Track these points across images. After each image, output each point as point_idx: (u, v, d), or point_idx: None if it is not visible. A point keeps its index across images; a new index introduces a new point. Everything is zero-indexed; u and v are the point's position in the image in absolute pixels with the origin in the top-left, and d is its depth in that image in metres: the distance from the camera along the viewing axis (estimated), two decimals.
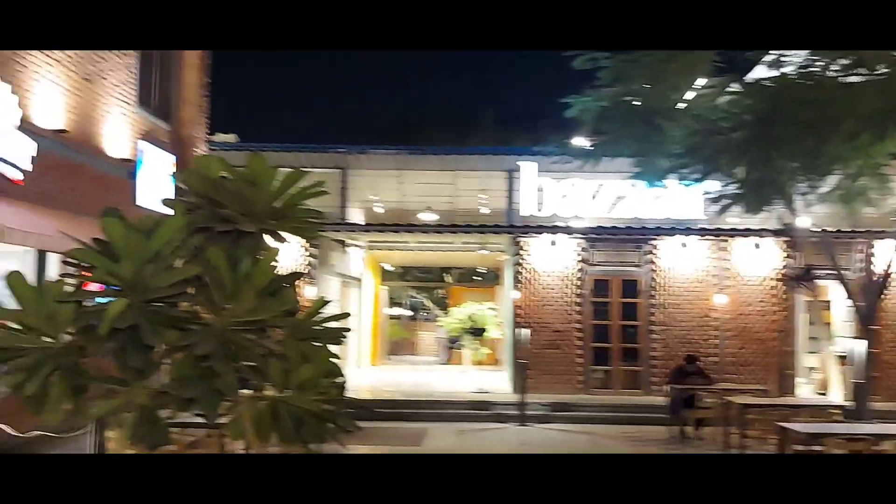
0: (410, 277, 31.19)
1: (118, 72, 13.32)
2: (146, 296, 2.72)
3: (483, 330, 25.82)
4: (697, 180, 13.51)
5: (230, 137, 21.64)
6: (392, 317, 30.14)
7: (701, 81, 12.43)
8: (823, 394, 17.72)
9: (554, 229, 18.31)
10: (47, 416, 2.71)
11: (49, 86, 11.12)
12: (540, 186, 18.64)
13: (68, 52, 11.69)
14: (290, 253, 17.83)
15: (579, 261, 18.34)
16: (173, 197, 3.05)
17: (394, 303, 30.95)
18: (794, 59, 11.38)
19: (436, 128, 32.17)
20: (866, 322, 14.33)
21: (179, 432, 7.01)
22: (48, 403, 2.70)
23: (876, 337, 16.09)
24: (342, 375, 3.03)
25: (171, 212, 2.96)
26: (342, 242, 19.65)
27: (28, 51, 10.57)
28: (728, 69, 12.13)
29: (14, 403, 2.88)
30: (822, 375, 18.18)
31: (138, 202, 12.81)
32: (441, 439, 13.62)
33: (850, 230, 17.41)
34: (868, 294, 14.50)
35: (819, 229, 15.72)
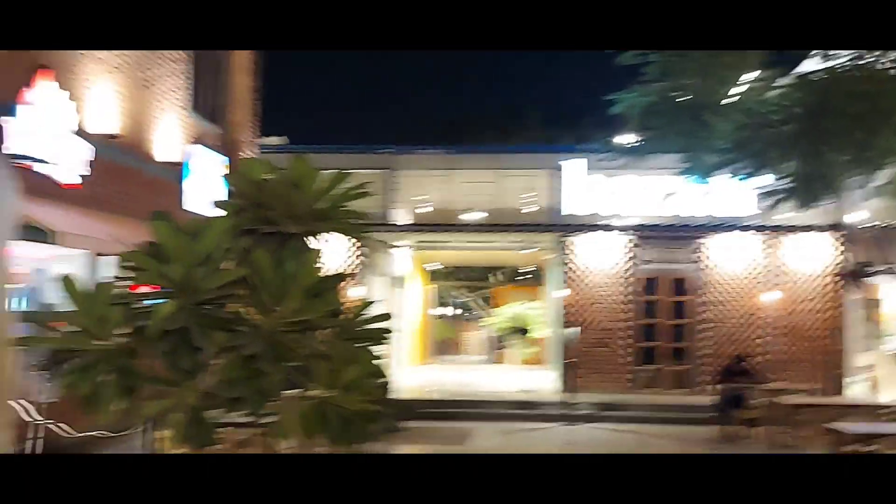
0: (456, 277, 31.20)
1: (171, 77, 13.56)
2: (195, 298, 2.77)
3: (528, 329, 25.75)
4: (748, 175, 13.31)
5: (280, 140, 21.83)
6: (438, 316, 30.19)
7: (750, 75, 12.25)
8: (875, 394, 17.36)
9: (602, 227, 18.19)
10: (100, 416, 2.77)
11: (104, 92, 11.35)
12: (586, 184, 18.53)
13: (124, 58, 11.93)
14: (337, 254, 17.96)
15: (627, 259, 18.20)
16: (224, 200, 3.10)
17: (440, 303, 31.00)
18: (844, 52, 11.16)
19: (481, 128, 32.13)
20: None
21: (229, 432, 7.10)
22: (101, 403, 2.76)
23: None
24: (387, 376, 3.05)
25: (219, 214, 3.01)
26: (388, 243, 19.73)
27: (83, 61, 10.80)
28: (777, 62, 11.94)
29: (69, 403, 2.95)
30: (874, 375, 17.80)
31: (187, 205, 13.01)
32: (486, 439, 13.61)
33: None
34: None
35: (872, 224, 15.40)
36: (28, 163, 9.30)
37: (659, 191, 18.00)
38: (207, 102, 15.16)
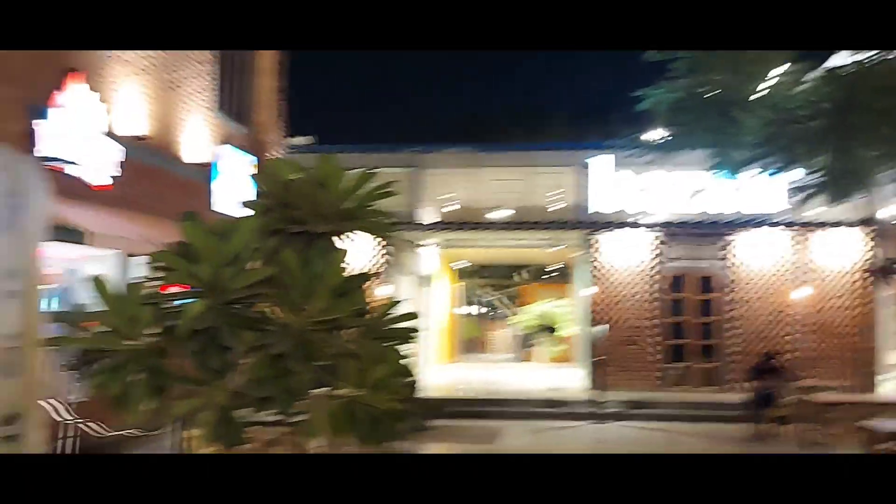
0: (483, 275, 31.18)
1: (198, 79, 13.68)
2: (224, 297, 2.79)
3: (555, 327, 25.68)
4: (776, 171, 13.19)
5: (307, 140, 21.94)
6: (465, 315, 30.19)
7: (778, 70, 12.13)
8: None
9: (629, 224, 18.11)
10: (130, 416, 2.79)
11: (132, 94, 11.47)
12: (613, 181, 18.44)
13: (151, 60, 12.05)
14: (365, 253, 18.02)
15: (654, 256, 18.11)
16: (252, 200, 3.12)
17: (467, 301, 31.00)
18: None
19: (508, 126, 32.08)
20: None
21: (258, 431, 7.14)
22: (131, 403, 2.79)
23: None
24: (414, 374, 3.06)
25: (247, 214, 3.03)
26: (414, 242, 19.76)
27: (111, 63, 10.92)
28: (806, 57, 11.81)
29: (100, 403, 2.98)
30: None
31: (215, 206, 13.11)
32: (515, 438, 13.59)
33: None
34: None
35: None
36: (59, 165, 9.41)
37: (686, 187, 17.87)
38: (234, 103, 15.27)
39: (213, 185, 13.50)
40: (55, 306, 9.25)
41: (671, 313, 18.10)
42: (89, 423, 8.89)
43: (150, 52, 12.12)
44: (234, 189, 13.55)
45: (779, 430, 13.60)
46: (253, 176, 3.20)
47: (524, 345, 26.99)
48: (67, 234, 8.25)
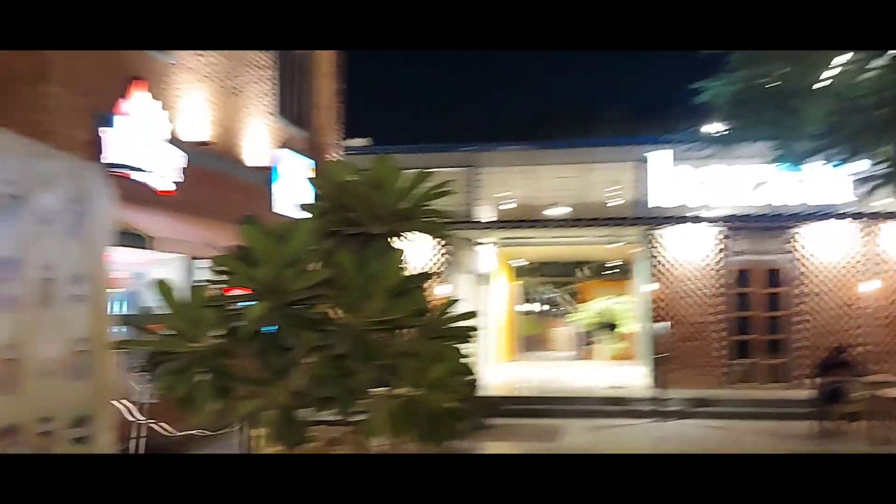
0: (542, 273, 31.06)
1: (258, 83, 13.92)
2: (284, 299, 2.84)
3: (616, 324, 25.46)
4: (842, 162, 12.90)
5: (364, 141, 22.13)
6: (524, 313, 30.11)
7: (841, 58, 11.86)
8: None
9: (691, 219, 17.86)
10: (197, 416, 2.86)
11: (195, 100, 11.71)
12: (673, 175, 18.21)
13: (212, 67, 12.29)
14: (423, 253, 18.09)
15: (718, 251, 17.84)
16: (311, 202, 3.16)
17: (526, 299, 30.92)
18: None
19: (564, 122, 31.91)
20: None
21: (321, 430, 7.22)
22: (197, 404, 2.85)
23: None
24: (473, 373, 3.07)
25: (306, 217, 3.07)
26: (472, 241, 19.78)
27: (174, 71, 11.15)
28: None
29: (169, 403, 3.06)
30: None
31: (275, 208, 13.30)
32: (576, 436, 13.52)
33: None
34: None
35: None
36: (125, 171, 9.65)
37: (749, 180, 17.55)
38: (293, 107, 15.48)
39: (273, 189, 13.70)
40: (122, 310, 9.49)
41: (736, 308, 17.81)
42: (158, 424, 9.09)
43: (212, 60, 12.36)
44: (293, 192, 13.73)
45: (848, 426, 13.28)
46: (311, 179, 3.25)
47: (584, 342, 26.81)
48: (133, 238, 8.45)
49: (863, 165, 13.18)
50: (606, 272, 29.41)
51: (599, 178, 18.98)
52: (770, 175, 16.66)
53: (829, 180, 17.27)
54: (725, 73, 12.06)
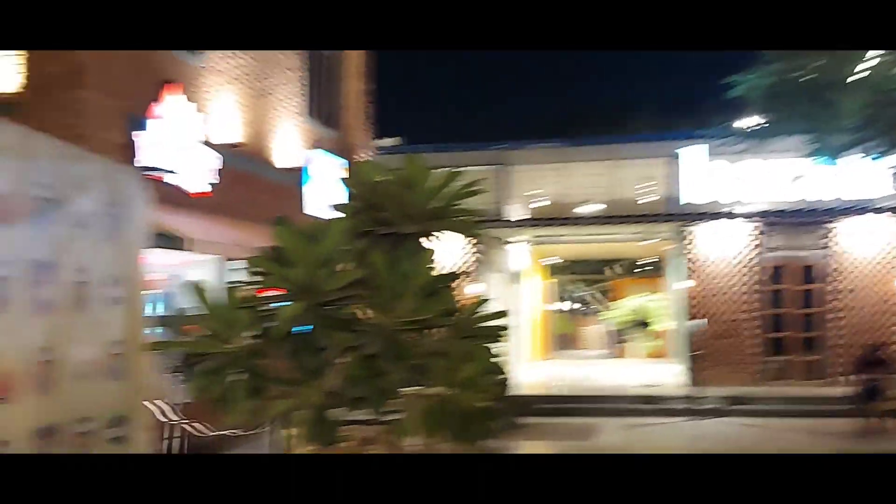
0: (574, 271, 30.94)
1: (288, 85, 14.01)
2: (317, 299, 2.85)
3: (649, 322, 25.30)
4: (879, 155, 12.70)
5: (395, 141, 22.18)
6: (557, 311, 30.02)
7: (877, 50, 11.68)
8: None
9: (724, 215, 17.69)
10: (231, 416, 2.88)
11: (226, 102, 11.81)
12: (706, 171, 18.04)
13: (244, 70, 12.39)
14: (454, 252, 18.08)
15: (752, 247, 17.65)
16: (343, 203, 3.17)
17: (558, 297, 30.82)
18: None
19: (596, 119, 31.76)
20: None
21: (354, 429, 7.24)
22: (231, 404, 2.87)
23: None
24: (505, 372, 3.06)
25: (337, 217, 3.09)
26: (503, 239, 19.75)
27: (205, 74, 11.25)
28: None
29: (203, 403, 3.08)
30: None
31: (307, 209, 13.37)
32: (609, 435, 13.44)
33: None
34: None
35: None
36: (158, 174, 9.75)
37: (784, 175, 17.35)
38: (323, 108, 15.55)
39: (305, 189, 13.77)
40: (158, 311, 9.59)
41: (771, 305, 17.61)
42: (193, 424, 9.17)
43: (242, 62, 12.46)
44: (324, 192, 13.78)
45: (886, 424, 13.08)
46: (342, 179, 3.26)
47: (617, 340, 26.67)
48: (168, 240, 8.53)
49: None
50: (639, 269, 29.24)
51: (631, 175, 18.87)
52: (805, 169, 16.47)
53: (865, 174, 17.01)
54: (758, 67, 11.94)
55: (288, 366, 2.92)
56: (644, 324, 25.63)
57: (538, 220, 19.17)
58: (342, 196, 3.22)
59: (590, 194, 18.93)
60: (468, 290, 16.94)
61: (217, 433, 8.56)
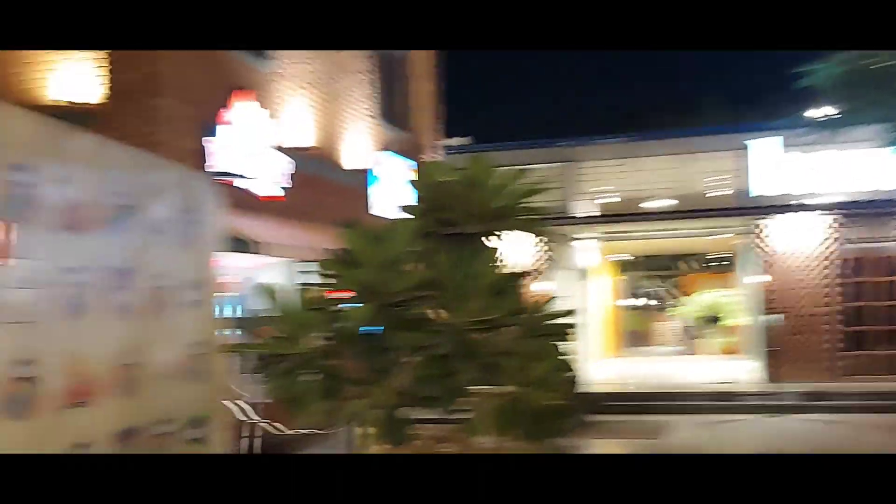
0: (644, 267, 30.55)
1: (357, 88, 14.17)
2: (385, 300, 2.89)
3: (722, 317, 24.83)
4: None
5: (463, 140, 22.22)
6: (627, 307, 29.68)
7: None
8: None
9: (799, 207, 17.27)
10: (305, 416, 2.93)
11: (296, 107, 12.01)
12: (778, 163, 17.63)
13: (315, 75, 12.58)
14: (523, 250, 18.02)
15: (829, 239, 17.19)
16: (411, 204, 3.21)
17: (628, 293, 30.47)
18: None
19: (664, 113, 31.32)
20: None
21: (427, 429, 7.27)
22: (305, 404, 2.92)
23: None
24: (574, 370, 3.06)
25: (405, 218, 3.12)
26: (572, 236, 19.62)
27: (277, 79, 11.45)
28: None
29: (279, 403, 3.15)
30: None
31: (374, 210, 13.49)
32: (682, 432, 13.23)
33: None
34: None
35: None
36: (229, 179, 9.95)
37: (860, 165, 16.87)
38: (392, 109, 15.68)
39: (374, 191, 13.90)
40: (233, 314, 9.79)
41: (851, 298, 17.12)
42: (270, 424, 9.33)
43: (313, 67, 12.65)
44: (394, 193, 13.89)
45: None
46: (410, 180, 3.29)
47: (690, 336, 26.25)
48: (240, 244, 8.69)
49: None
50: (710, 264, 28.72)
51: (701, 169, 18.56)
52: (884, 158, 15.98)
53: None
54: (829, 56, 11.65)
55: (359, 366, 2.96)
56: (717, 319, 25.17)
57: (607, 217, 19.00)
58: (410, 197, 3.26)
59: (659, 189, 18.69)
60: (537, 288, 16.88)
61: (292, 433, 8.69)
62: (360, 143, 14.09)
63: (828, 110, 13.42)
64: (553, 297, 3.11)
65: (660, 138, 20.15)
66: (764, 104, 23.44)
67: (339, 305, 3.01)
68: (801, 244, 17.25)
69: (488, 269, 2.89)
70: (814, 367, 16.76)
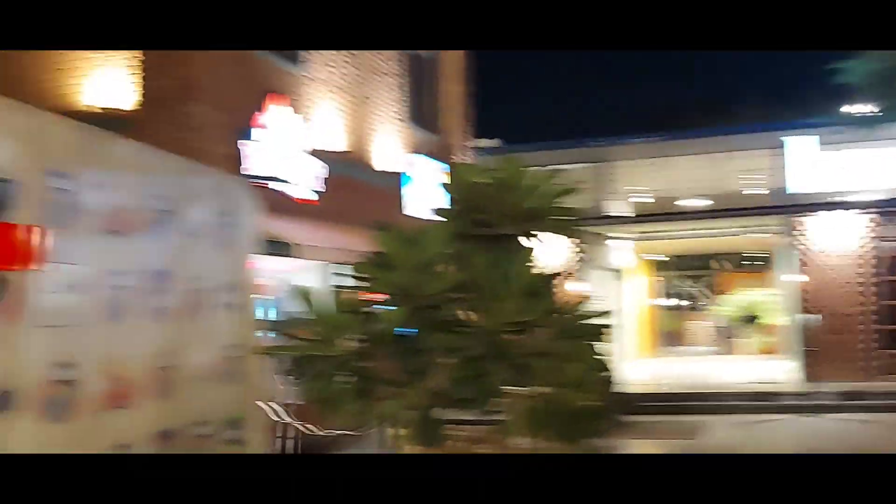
0: (679, 266, 30.32)
1: (388, 90, 14.23)
2: (419, 302, 2.90)
3: (759, 317, 24.57)
4: None
5: (495, 142, 22.22)
6: (662, 307, 29.47)
7: None
8: None
9: (836, 205, 17.03)
10: (340, 417, 2.95)
11: (327, 110, 12.09)
12: (814, 161, 17.41)
13: (345, 78, 12.66)
14: (556, 251, 17.97)
15: (868, 237, 16.93)
16: (443, 206, 3.22)
17: (663, 293, 30.26)
18: None
19: (698, 112, 31.06)
20: None
21: (461, 429, 7.27)
22: (339, 405, 2.95)
23: None
24: (609, 371, 3.05)
25: (438, 220, 3.13)
26: (606, 236, 19.53)
27: (308, 83, 11.54)
28: None
29: (314, 404, 3.17)
30: None
31: (407, 212, 13.53)
32: (719, 432, 13.10)
33: None
34: None
35: None
36: (264, 182, 10.03)
37: None
38: (423, 112, 15.71)
39: (406, 193, 13.94)
40: (269, 316, 9.87)
41: (886, 297, 16.86)
42: (305, 425, 9.39)
43: (344, 70, 12.73)
44: (425, 195, 13.92)
45: None
46: (442, 182, 3.31)
47: (726, 336, 26.01)
48: (276, 246, 8.76)
49: None
50: (747, 264, 28.44)
51: (736, 167, 18.39)
52: None
53: None
54: (865, 52, 11.50)
55: (393, 368, 2.97)
56: (753, 319, 24.91)
57: (642, 216, 18.89)
58: (442, 199, 3.27)
59: (694, 188, 18.55)
60: (571, 289, 16.82)
61: (329, 433, 8.74)
62: (393, 146, 14.14)
63: (864, 107, 13.25)
64: (588, 298, 3.10)
65: (694, 137, 20.00)
66: (800, 101, 23.19)
67: (374, 307, 3.03)
68: (838, 243, 17.02)
69: (523, 269, 2.89)
70: (849, 366, 16.53)
